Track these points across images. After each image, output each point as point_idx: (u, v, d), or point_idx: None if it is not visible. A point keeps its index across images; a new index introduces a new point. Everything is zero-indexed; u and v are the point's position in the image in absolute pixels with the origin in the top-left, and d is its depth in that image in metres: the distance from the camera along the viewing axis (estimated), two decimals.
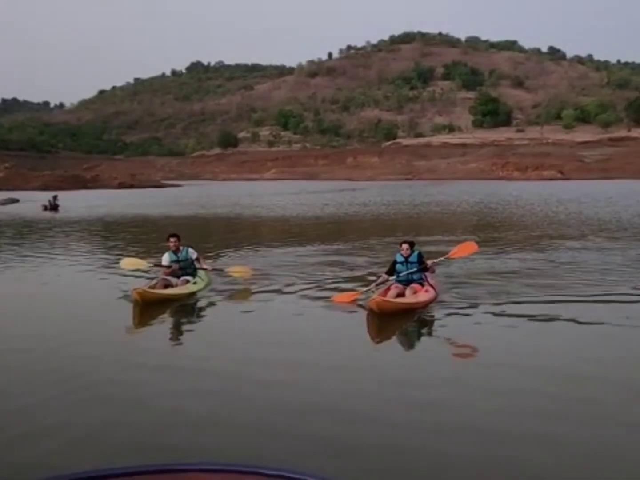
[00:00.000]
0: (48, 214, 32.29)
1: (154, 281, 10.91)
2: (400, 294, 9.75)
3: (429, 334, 8.73)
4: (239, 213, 32.61)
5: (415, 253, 10.25)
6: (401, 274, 10.14)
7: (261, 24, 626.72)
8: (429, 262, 10.14)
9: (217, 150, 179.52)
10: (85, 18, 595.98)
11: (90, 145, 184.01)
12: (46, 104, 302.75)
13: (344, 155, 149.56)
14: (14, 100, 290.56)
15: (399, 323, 8.88)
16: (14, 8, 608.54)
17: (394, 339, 8.66)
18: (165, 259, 11.33)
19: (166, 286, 10.66)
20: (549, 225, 22.86)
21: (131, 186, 75.86)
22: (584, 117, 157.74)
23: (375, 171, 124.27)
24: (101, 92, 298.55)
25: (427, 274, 10.21)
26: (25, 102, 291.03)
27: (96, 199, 47.67)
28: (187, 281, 10.97)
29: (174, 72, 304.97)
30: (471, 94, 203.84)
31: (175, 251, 11.32)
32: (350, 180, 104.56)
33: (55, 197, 35.48)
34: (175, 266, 11.21)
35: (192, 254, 11.47)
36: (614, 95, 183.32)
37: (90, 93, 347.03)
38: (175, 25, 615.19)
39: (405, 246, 10.26)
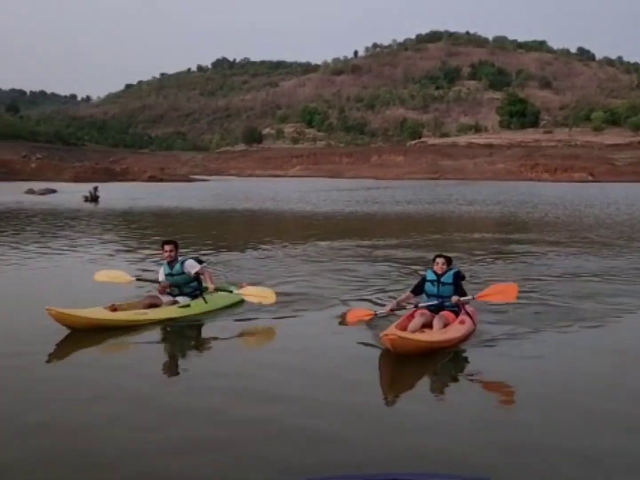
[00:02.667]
0: (89, 205, 32.26)
1: (140, 298, 8.96)
2: (427, 324, 7.58)
3: (465, 386, 6.28)
4: (285, 209, 32.19)
5: (452, 272, 7.97)
6: (429, 298, 7.97)
7: (287, 21, 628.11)
8: (453, 298, 7.80)
9: (241, 146, 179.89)
10: (113, 12, 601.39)
11: (116, 138, 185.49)
12: (73, 97, 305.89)
13: (368, 154, 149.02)
14: (42, 92, 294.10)
15: (424, 367, 6.66)
16: (48, 3, 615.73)
17: (414, 394, 6.11)
18: (161, 272, 9.01)
19: (151, 305, 8.53)
20: (615, 229, 22.01)
21: (160, 180, 76.12)
22: (613, 120, 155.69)
23: (401, 170, 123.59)
24: (128, 86, 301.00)
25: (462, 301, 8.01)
26: (53, 95, 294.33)
27: (131, 191, 47.72)
28: (175, 302, 8.68)
29: (199, 68, 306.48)
30: (498, 94, 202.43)
31: (170, 263, 8.86)
32: (375, 178, 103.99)
33: (96, 189, 35.49)
34: (164, 283, 8.85)
35: (191, 267, 8.84)
36: None
37: (117, 87, 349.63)
38: (201, 21, 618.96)
39: (440, 261, 7.98)
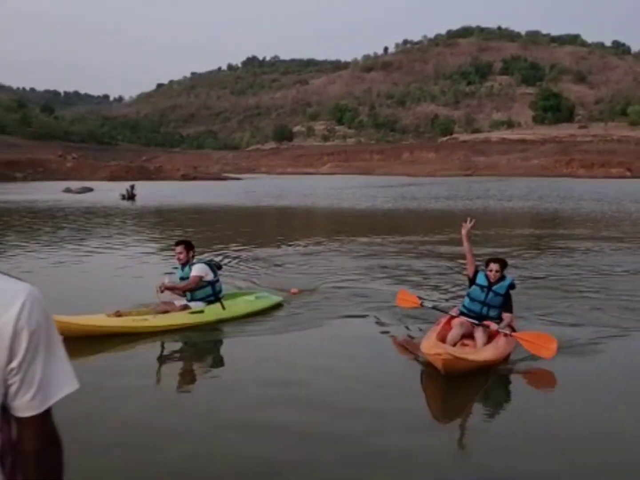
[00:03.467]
0: (127, 203, 32.39)
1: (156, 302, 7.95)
2: (467, 335, 6.83)
3: (522, 408, 5.53)
4: (325, 206, 31.89)
5: (507, 281, 7.05)
6: (472, 303, 7.12)
7: (316, 18, 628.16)
8: (493, 326, 6.84)
9: (272, 144, 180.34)
10: (144, 12, 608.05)
11: (148, 137, 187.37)
12: (106, 97, 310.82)
13: (400, 151, 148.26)
14: (75, 93, 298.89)
15: (472, 386, 5.96)
16: (76, 4, 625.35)
17: (466, 416, 5.46)
18: (177, 274, 8.40)
19: (164, 312, 7.75)
20: None
21: (194, 178, 76.32)
22: None
23: (433, 167, 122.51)
24: (159, 85, 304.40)
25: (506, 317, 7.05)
26: (86, 95, 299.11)
27: (166, 189, 47.86)
28: (185, 307, 7.92)
29: (230, 67, 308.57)
30: (530, 90, 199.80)
31: (183, 265, 8.11)
32: (407, 175, 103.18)
33: (132, 187, 35.66)
34: (160, 283, 7.87)
35: (197, 270, 7.96)
36: None
37: (148, 87, 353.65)
38: (231, 20, 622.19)
39: (494, 267, 7.00)
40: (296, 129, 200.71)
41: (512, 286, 7.03)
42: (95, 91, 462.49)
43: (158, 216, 25.57)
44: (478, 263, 7.32)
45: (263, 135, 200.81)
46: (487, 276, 7.01)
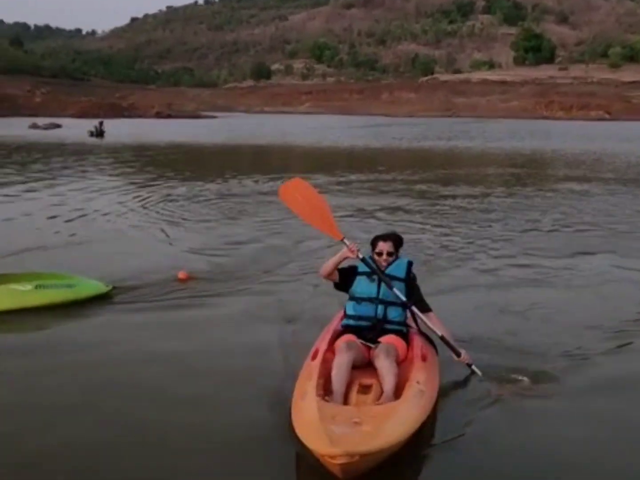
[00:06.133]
0: (95, 140, 31.47)
1: None
2: (362, 364, 4.25)
3: None
4: (324, 145, 31.16)
5: (404, 262, 4.71)
6: (361, 305, 4.60)
7: None
8: (427, 316, 4.61)
9: (249, 82, 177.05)
10: None
11: (122, 74, 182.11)
12: (78, 31, 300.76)
13: (379, 90, 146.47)
14: (46, 26, 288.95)
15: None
16: None
17: None
18: None
19: None
20: None
21: (168, 116, 74.71)
22: (632, 56, 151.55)
23: (413, 107, 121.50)
24: (133, 19, 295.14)
25: (417, 313, 4.59)
26: (58, 29, 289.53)
27: (137, 127, 46.55)
28: None
29: (206, 1, 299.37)
30: (512, 30, 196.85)
31: None
32: (387, 115, 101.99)
33: (101, 123, 34.86)
34: None
35: None
36: None
37: (122, 21, 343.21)
38: None
39: (385, 247, 4.65)
40: (275, 67, 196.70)
41: (411, 270, 4.70)
42: (67, 25, 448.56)
43: (124, 153, 24.65)
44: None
45: (241, 73, 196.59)
46: (374, 261, 4.65)
